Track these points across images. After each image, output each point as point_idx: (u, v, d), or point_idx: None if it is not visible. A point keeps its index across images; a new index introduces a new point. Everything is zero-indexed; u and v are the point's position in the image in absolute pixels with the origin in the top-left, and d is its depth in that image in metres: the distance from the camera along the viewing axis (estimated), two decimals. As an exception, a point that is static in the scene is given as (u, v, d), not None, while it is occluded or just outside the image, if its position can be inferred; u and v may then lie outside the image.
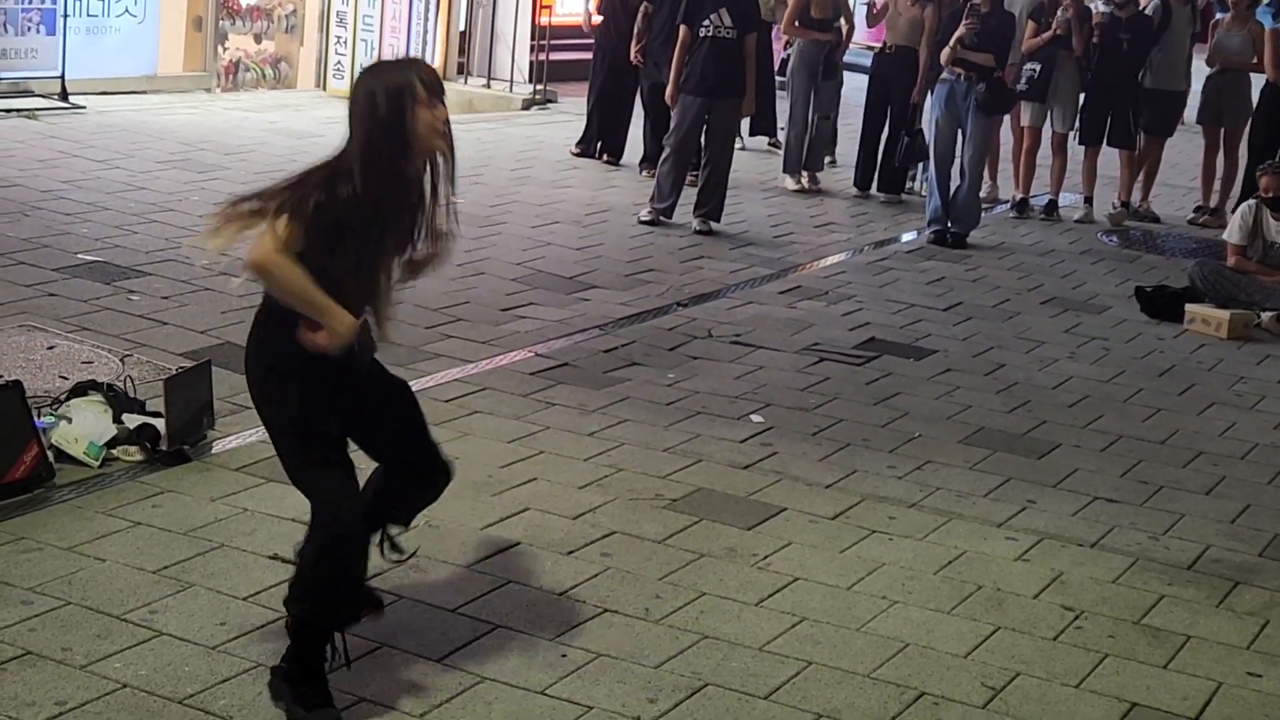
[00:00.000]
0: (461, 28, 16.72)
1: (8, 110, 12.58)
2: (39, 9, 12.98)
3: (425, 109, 4.37)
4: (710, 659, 5.16)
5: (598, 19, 14.01)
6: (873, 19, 13.54)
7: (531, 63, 16.27)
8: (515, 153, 13.58)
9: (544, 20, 16.15)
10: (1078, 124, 13.12)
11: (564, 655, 5.08)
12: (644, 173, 12.94)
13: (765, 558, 5.97)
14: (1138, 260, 12.04)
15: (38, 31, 13.00)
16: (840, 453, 7.20)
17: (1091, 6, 13.26)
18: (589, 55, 14.02)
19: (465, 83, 16.52)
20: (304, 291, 4.32)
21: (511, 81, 16.28)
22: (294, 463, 4.57)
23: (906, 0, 12.84)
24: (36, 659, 4.72)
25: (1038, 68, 12.74)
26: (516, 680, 4.88)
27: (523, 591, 5.49)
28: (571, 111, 14.97)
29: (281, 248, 4.28)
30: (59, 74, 13.08)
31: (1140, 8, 13.15)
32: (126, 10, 13.88)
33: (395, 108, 4.34)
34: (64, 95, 13.06)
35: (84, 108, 13.04)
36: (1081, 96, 13.04)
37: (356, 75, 4.63)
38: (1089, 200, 13.26)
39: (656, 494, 6.49)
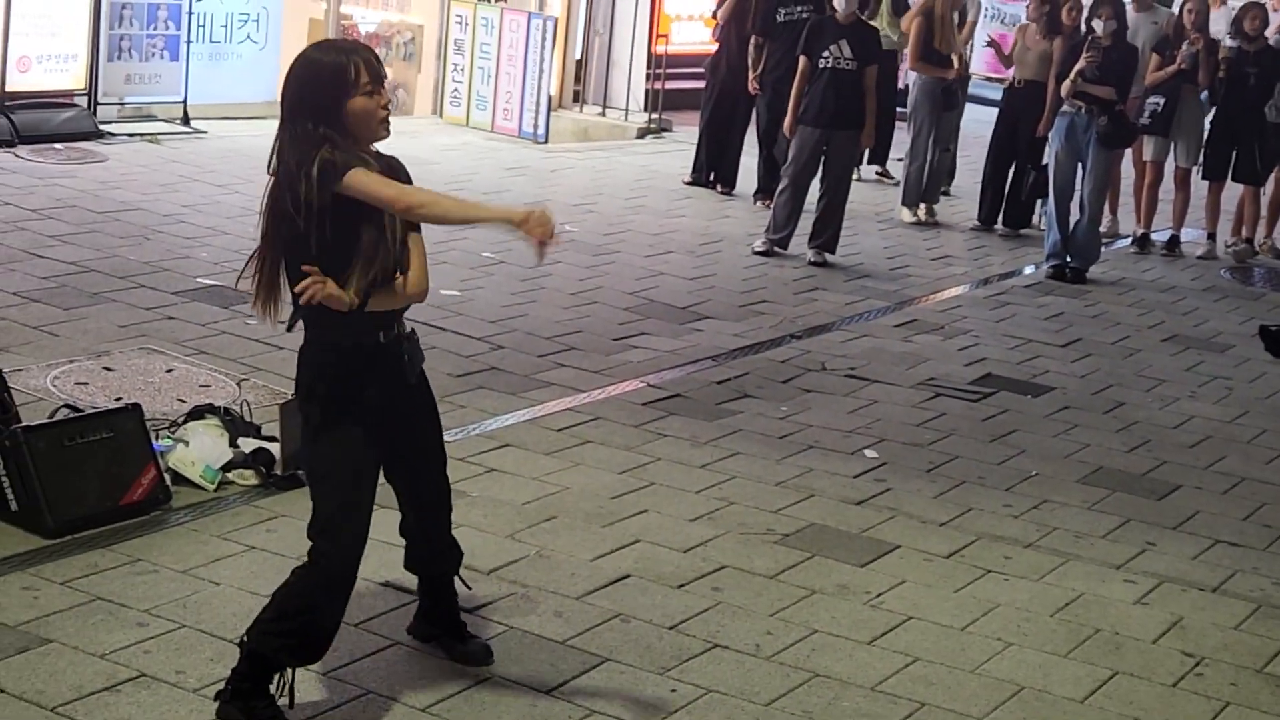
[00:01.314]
0: (578, 56, 16.78)
1: (131, 134, 12.77)
2: (163, 35, 13.17)
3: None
4: (821, 698, 5.10)
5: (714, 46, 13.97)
6: (1005, 59, 13.40)
7: (647, 91, 16.29)
8: (629, 181, 13.59)
9: (660, 49, 16.17)
10: (1201, 158, 12.91)
11: (673, 690, 5.04)
12: (758, 204, 12.91)
13: (878, 596, 5.90)
14: (1262, 298, 11.82)
15: (161, 57, 13.19)
16: (955, 490, 7.11)
17: (1216, 39, 13.06)
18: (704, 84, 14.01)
19: (581, 110, 16.58)
20: (463, 210, 4.78)
21: (627, 110, 16.30)
22: (322, 472, 4.60)
23: (1035, 35, 12.72)
24: (151, 681, 4.75)
25: (1161, 101, 12.55)
26: (625, 714, 4.85)
27: (632, 624, 5.46)
28: (686, 140, 14.94)
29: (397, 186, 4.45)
30: (181, 99, 13.26)
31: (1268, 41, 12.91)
32: (248, 37, 14.05)
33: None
34: (186, 120, 13.24)
35: (205, 132, 13.21)
36: (1206, 130, 12.84)
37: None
38: (1212, 236, 13.04)
39: (768, 528, 6.44)
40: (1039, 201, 12.94)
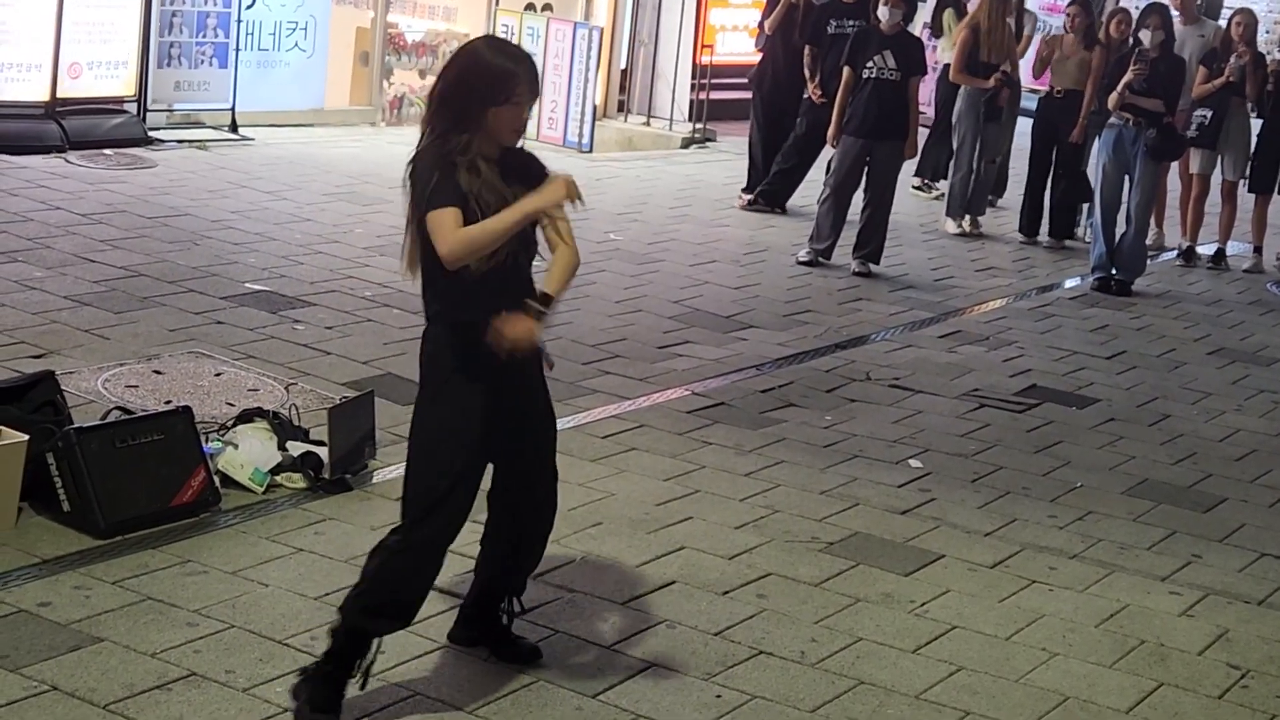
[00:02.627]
0: (623, 65, 16.83)
1: (180, 141, 12.86)
2: (212, 43, 13.27)
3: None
4: (866, 705, 5.11)
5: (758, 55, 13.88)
6: (1039, 67, 13.35)
7: (691, 101, 16.33)
8: (674, 191, 13.61)
9: (705, 59, 16.20)
10: (1248, 172, 12.86)
11: (718, 696, 5.06)
12: (745, 198, 13.05)
13: (923, 605, 5.90)
14: (1308, 312, 11.78)
15: (210, 65, 13.29)
16: (1000, 500, 7.11)
17: (1265, 53, 13.01)
18: (750, 94, 13.97)
19: (625, 120, 16.62)
20: (495, 228, 4.44)
21: (671, 120, 16.34)
22: (431, 440, 4.66)
23: (1073, 43, 12.72)
24: (201, 680, 4.80)
25: (1208, 114, 12.51)
26: (671, 720, 4.87)
27: (677, 630, 5.48)
28: (731, 151, 14.98)
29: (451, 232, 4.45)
30: (229, 106, 13.35)
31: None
32: (296, 45, 14.15)
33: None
34: (234, 127, 13.34)
35: (253, 139, 13.29)
36: (1254, 143, 12.80)
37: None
38: (1258, 250, 12.99)
39: (813, 536, 6.45)
40: (1084, 210, 12.92)
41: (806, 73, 12.81)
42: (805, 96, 12.91)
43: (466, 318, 4.60)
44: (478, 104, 4.49)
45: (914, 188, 14.49)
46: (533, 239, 4.67)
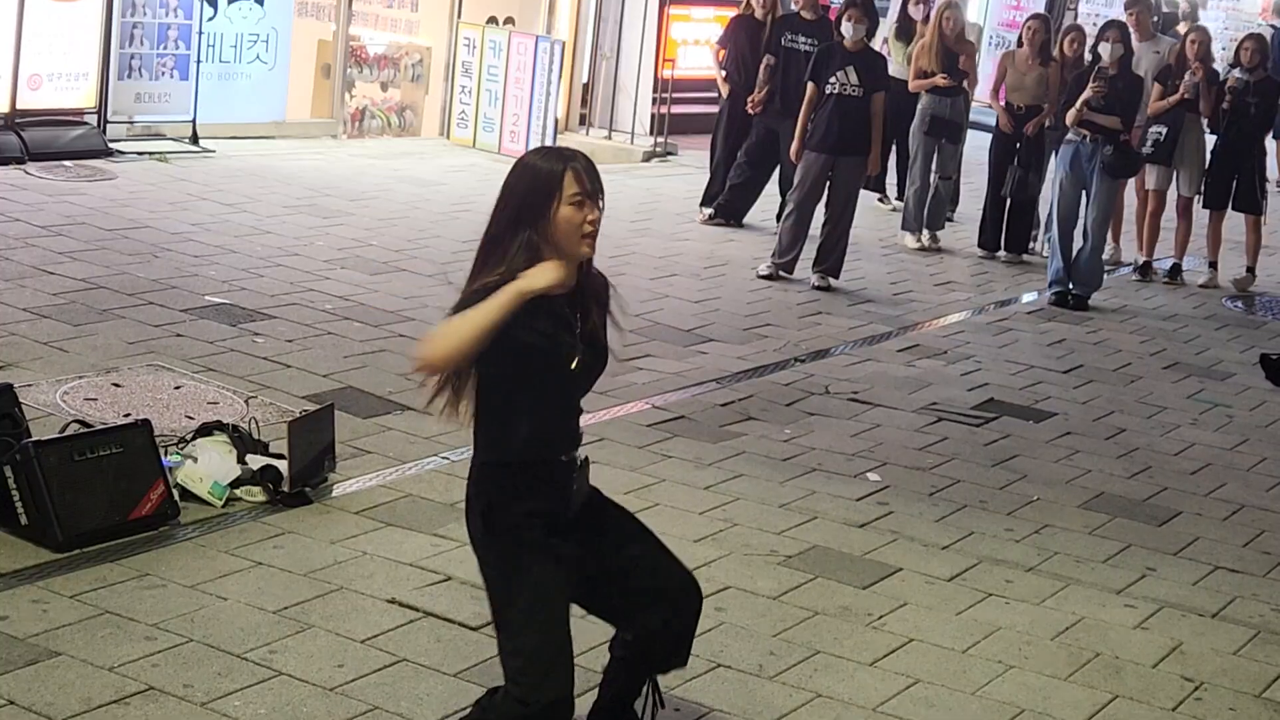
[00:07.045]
0: (584, 79, 16.86)
1: (140, 153, 12.83)
2: (174, 55, 13.24)
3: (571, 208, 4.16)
4: (823, 718, 5.14)
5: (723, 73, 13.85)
6: (997, 85, 13.43)
7: (653, 115, 16.37)
8: (635, 205, 13.63)
9: (666, 73, 16.25)
10: (1203, 188, 12.97)
11: (676, 709, 5.07)
12: (705, 213, 13.11)
13: (880, 618, 5.94)
14: (1263, 327, 11.86)
15: (171, 76, 13.25)
16: (957, 514, 7.16)
17: (1219, 69, 13.12)
18: (710, 109, 14.01)
19: (587, 134, 16.64)
20: (474, 319, 4.03)
21: (633, 134, 16.37)
22: (501, 615, 4.30)
23: (1027, 59, 12.80)
24: (159, 694, 4.79)
25: (1164, 130, 12.62)
26: (629, 733, 4.88)
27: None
28: (692, 165, 15.01)
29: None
30: (190, 118, 13.32)
31: (1268, 72, 12.96)
32: (258, 57, 14.12)
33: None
34: (195, 139, 13.30)
35: (214, 152, 13.26)
36: (1208, 159, 12.92)
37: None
38: (1214, 265, 13.10)
39: (771, 550, 6.48)
40: (1041, 225, 13.00)
41: (757, 83, 12.83)
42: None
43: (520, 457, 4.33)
44: (539, 211, 4.15)
45: (878, 200, 14.59)
46: (605, 346, 4.37)
